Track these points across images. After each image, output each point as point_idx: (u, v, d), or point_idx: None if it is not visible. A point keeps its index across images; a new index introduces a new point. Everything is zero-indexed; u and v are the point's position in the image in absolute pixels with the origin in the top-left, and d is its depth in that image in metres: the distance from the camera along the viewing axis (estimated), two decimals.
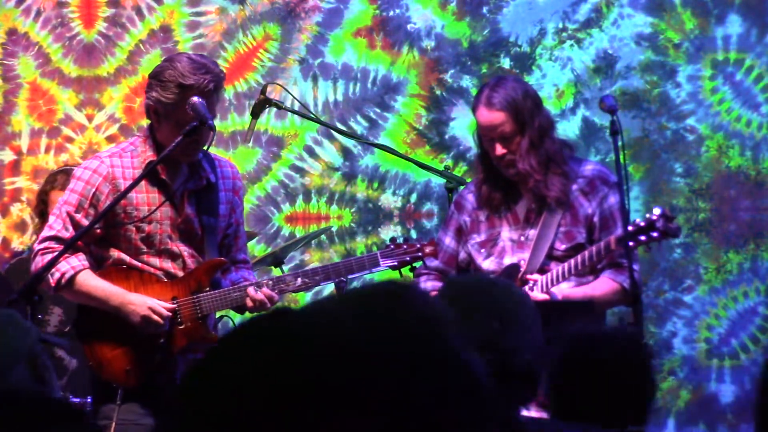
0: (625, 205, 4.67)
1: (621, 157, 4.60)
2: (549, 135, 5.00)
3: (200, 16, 6.98)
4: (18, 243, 6.82)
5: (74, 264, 4.80)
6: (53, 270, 4.75)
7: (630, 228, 4.68)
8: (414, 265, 4.93)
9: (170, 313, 4.80)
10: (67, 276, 4.78)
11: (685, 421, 6.97)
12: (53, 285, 4.78)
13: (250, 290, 4.85)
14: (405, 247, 4.91)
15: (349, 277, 5.63)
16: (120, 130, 6.94)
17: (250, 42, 6.99)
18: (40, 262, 4.77)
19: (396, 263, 4.90)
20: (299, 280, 4.89)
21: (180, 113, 4.76)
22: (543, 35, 7.00)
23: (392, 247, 4.91)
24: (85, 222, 4.79)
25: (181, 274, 4.89)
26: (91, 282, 4.80)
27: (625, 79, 6.98)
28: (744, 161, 6.98)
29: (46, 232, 4.85)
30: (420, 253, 4.92)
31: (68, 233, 4.80)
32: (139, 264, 4.86)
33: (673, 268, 7.01)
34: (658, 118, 6.99)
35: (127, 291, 4.80)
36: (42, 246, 4.82)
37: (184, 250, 4.90)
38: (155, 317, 4.76)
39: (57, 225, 4.83)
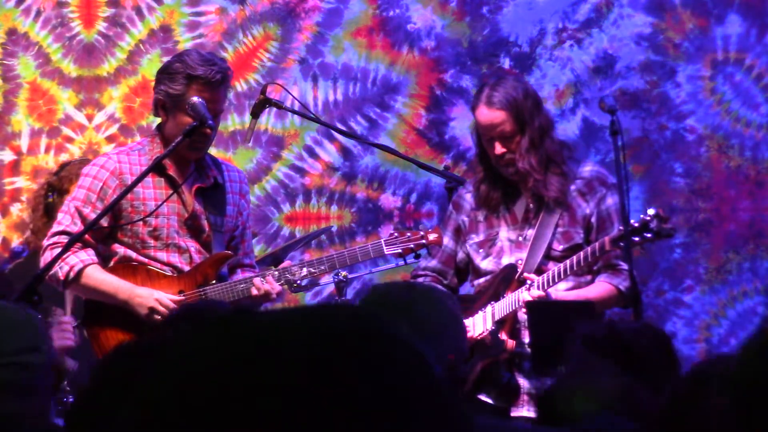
0: (625, 206, 4.67)
1: (621, 157, 4.60)
2: (549, 135, 5.00)
3: (200, 16, 6.98)
4: (18, 243, 6.82)
5: (83, 258, 4.84)
6: (62, 264, 4.79)
7: (623, 229, 4.67)
8: (418, 252, 4.94)
9: (176, 305, 4.83)
10: (75, 269, 4.81)
11: None
12: (62, 278, 4.81)
13: (256, 281, 4.91)
14: (409, 234, 4.94)
15: (350, 276, 5.64)
16: (120, 130, 6.93)
17: (250, 42, 6.99)
18: (49, 257, 4.80)
19: (400, 251, 4.93)
20: (305, 269, 4.93)
21: (186, 104, 4.85)
22: (543, 35, 7.00)
23: (396, 235, 4.95)
24: (94, 216, 4.83)
25: (188, 269, 4.95)
26: (99, 276, 4.84)
27: (625, 79, 6.98)
28: (744, 161, 6.98)
29: (54, 228, 4.89)
30: (424, 240, 4.95)
31: (77, 228, 4.84)
32: (146, 260, 4.91)
33: (673, 268, 7.01)
34: (658, 118, 6.99)
35: (134, 285, 4.85)
36: (51, 241, 4.85)
37: (191, 245, 4.96)
38: (161, 308, 4.80)
39: (65, 220, 4.88)
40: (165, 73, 4.90)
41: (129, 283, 4.86)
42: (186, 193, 4.98)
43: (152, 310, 4.81)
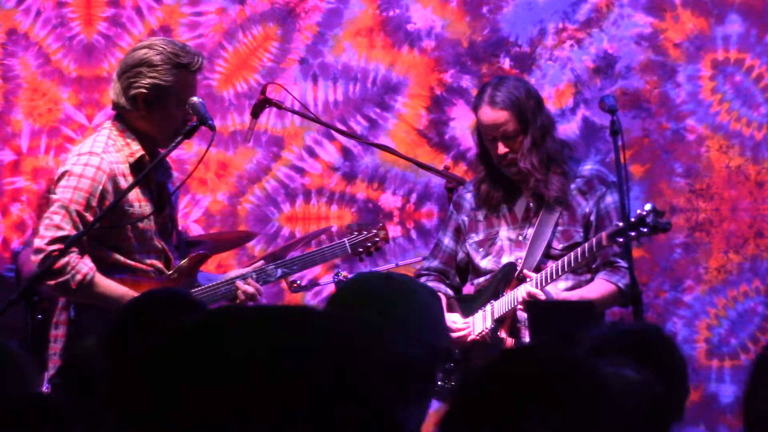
0: (625, 205, 4.67)
1: (621, 157, 4.60)
2: (550, 134, 5.01)
3: (200, 16, 6.98)
4: (18, 243, 6.82)
5: (90, 265, 4.71)
6: (73, 271, 4.65)
7: (620, 224, 4.68)
8: (375, 249, 5.23)
9: None
10: (88, 277, 4.69)
11: (685, 421, 6.96)
12: (74, 287, 4.67)
13: (239, 282, 4.92)
14: (365, 233, 5.18)
15: (350, 276, 5.64)
16: None
17: (250, 42, 6.99)
18: (53, 263, 4.63)
19: (361, 249, 5.17)
20: (279, 270, 5.03)
21: (178, 94, 4.77)
22: (543, 35, 7.00)
23: (356, 233, 5.17)
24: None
25: (166, 271, 4.89)
26: (106, 282, 4.73)
27: (625, 79, 6.98)
28: (744, 161, 6.98)
29: (54, 232, 4.69)
30: (377, 239, 5.19)
31: (74, 233, 4.68)
32: (133, 263, 4.82)
33: (673, 268, 7.01)
34: (658, 118, 6.99)
35: (135, 290, 4.75)
36: (55, 247, 4.66)
37: (165, 246, 4.91)
38: None
39: (66, 225, 4.69)
40: (147, 66, 4.77)
41: (129, 288, 4.76)
42: (157, 192, 4.91)
43: None
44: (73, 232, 4.68)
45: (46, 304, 5.06)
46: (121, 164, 4.81)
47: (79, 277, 4.68)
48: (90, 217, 4.71)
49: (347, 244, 5.13)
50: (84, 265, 4.70)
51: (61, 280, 4.65)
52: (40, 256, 4.70)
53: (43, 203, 6.17)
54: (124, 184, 4.77)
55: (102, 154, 4.79)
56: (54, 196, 4.79)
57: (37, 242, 4.76)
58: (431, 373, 2.78)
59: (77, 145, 4.98)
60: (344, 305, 2.78)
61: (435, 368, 2.80)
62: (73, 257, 4.67)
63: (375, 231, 5.18)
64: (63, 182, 4.78)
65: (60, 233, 4.69)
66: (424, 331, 2.79)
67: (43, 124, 6.93)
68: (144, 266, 4.84)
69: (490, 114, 4.95)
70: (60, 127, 6.93)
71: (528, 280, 4.87)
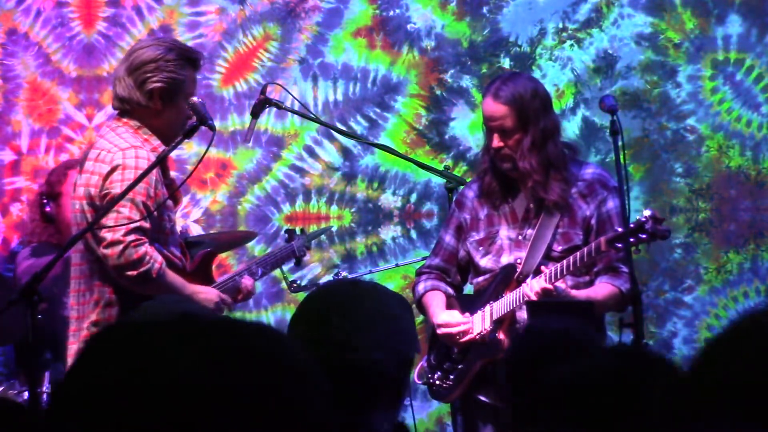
0: (626, 206, 4.67)
1: (621, 157, 4.60)
2: (552, 139, 4.99)
3: (200, 16, 6.99)
4: (19, 243, 6.82)
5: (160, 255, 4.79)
6: (152, 260, 4.69)
7: (619, 229, 4.68)
8: (304, 255, 5.72)
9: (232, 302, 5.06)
10: (163, 265, 4.74)
11: None
12: (154, 276, 4.70)
13: (240, 278, 5.12)
14: (302, 238, 5.65)
15: (349, 277, 5.65)
16: None
17: (250, 42, 6.99)
18: (134, 254, 4.66)
19: (301, 253, 5.65)
20: (260, 269, 5.28)
21: (188, 90, 4.88)
22: (543, 35, 7.00)
23: (298, 236, 5.61)
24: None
25: (184, 261, 4.99)
26: (170, 272, 4.80)
27: (625, 79, 6.98)
28: (744, 161, 6.98)
29: (126, 223, 4.69)
30: (306, 247, 5.65)
31: (147, 223, 4.73)
32: (170, 255, 4.89)
33: (673, 268, 7.01)
34: (658, 118, 6.99)
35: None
36: (132, 237, 4.68)
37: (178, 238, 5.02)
38: (224, 305, 4.92)
39: (135, 215, 4.69)
40: (163, 61, 4.85)
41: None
42: (169, 186, 4.99)
43: (218, 305, 4.87)
44: (144, 223, 4.72)
45: (46, 304, 5.06)
46: (150, 161, 4.84)
47: (156, 266, 4.72)
48: (151, 206, 4.75)
49: (294, 247, 5.53)
50: (157, 255, 4.75)
51: (142, 270, 4.68)
52: (119, 248, 4.69)
53: (35, 201, 6.16)
54: (156, 176, 4.83)
55: (145, 149, 4.83)
56: (113, 191, 4.75)
57: (109, 236, 4.71)
58: (400, 379, 2.77)
59: (100, 144, 4.91)
60: (311, 313, 2.78)
61: (403, 375, 2.79)
62: (148, 247, 4.71)
63: (304, 243, 5.62)
64: (117, 176, 4.78)
65: (132, 224, 4.70)
66: (391, 338, 2.78)
67: (43, 124, 6.93)
68: (175, 259, 4.91)
69: (491, 105, 4.97)
70: (60, 127, 6.94)
71: (541, 274, 4.85)
